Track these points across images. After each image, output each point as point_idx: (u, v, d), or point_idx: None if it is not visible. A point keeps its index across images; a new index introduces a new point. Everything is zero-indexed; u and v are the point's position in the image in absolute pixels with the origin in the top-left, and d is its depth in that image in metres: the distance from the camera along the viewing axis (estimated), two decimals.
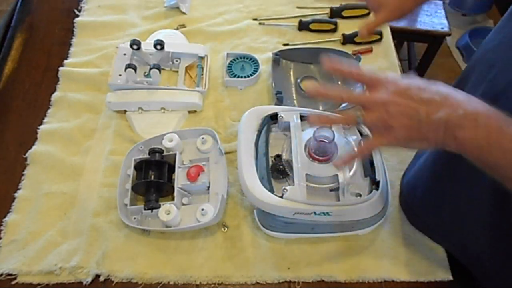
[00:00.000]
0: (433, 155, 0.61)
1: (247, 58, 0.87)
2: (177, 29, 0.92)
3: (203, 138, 0.71)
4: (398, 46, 1.97)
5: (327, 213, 0.58)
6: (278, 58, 0.85)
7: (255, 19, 0.96)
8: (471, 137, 0.41)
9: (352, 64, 0.54)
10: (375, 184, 0.61)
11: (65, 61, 0.86)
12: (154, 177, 0.67)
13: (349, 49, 0.89)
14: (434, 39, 1.56)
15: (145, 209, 0.66)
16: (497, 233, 0.53)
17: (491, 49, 0.53)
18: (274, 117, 0.67)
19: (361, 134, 0.66)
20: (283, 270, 0.64)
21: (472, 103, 0.42)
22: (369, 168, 0.62)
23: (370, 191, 0.60)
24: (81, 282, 0.62)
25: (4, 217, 0.67)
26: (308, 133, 0.63)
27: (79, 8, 0.96)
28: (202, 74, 0.82)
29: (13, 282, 0.62)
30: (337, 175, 0.60)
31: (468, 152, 0.42)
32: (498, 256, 0.55)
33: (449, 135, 0.42)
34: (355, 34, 0.91)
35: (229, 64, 0.86)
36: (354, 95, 0.51)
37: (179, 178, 0.67)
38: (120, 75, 0.78)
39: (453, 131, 0.41)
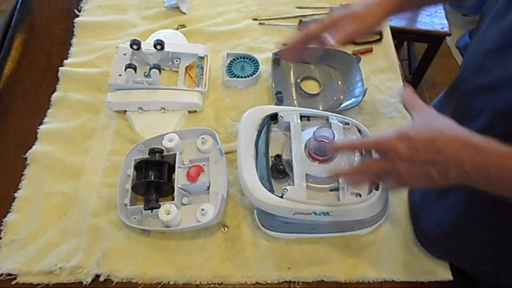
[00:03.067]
0: None
1: (247, 58, 0.87)
2: (177, 29, 0.92)
3: (203, 138, 0.71)
4: (398, 46, 1.97)
5: (327, 213, 0.58)
6: (278, 58, 0.85)
7: (255, 19, 0.96)
8: (475, 168, 0.41)
9: (353, 135, 0.60)
10: (375, 184, 0.61)
11: (65, 61, 0.86)
12: (154, 177, 0.67)
13: (349, 49, 0.89)
14: (434, 39, 1.56)
15: (145, 209, 0.66)
16: (499, 247, 0.54)
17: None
18: (274, 117, 0.67)
19: (360, 133, 0.66)
20: (283, 270, 0.64)
21: (472, 138, 0.42)
22: None
23: (370, 191, 0.60)
24: (81, 282, 0.62)
25: (4, 217, 0.67)
26: (308, 133, 0.63)
27: (79, 8, 0.96)
28: (202, 74, 0.82)
29: (13, 282, 0.62)
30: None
31: (473, 180, 0.42)
32: (501, 269, 0.56)
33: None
34: None
35: (229, 64, 0.86)
36: (367, 166, 0.51)
37: (179, 178, 0.67)
38: (120, 75, 0.78)
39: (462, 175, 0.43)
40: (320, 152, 0.60)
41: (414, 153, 0.44)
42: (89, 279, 0.62)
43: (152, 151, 0.69)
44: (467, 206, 0.56)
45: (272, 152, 0.66)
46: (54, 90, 0.82)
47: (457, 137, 0.43)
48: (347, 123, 0.67)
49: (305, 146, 0.62)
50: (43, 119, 0.78)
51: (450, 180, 0.43)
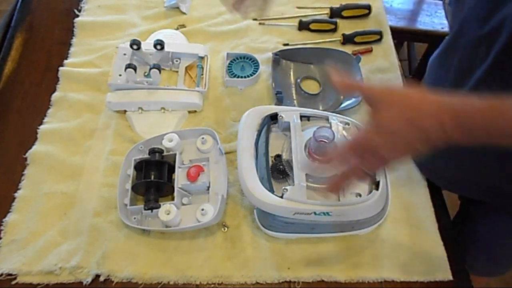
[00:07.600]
0: None
1: (247, 58, 0.87)
2: (177, 29, 0.92)
3: (203, 138, 0.71)
4: (398, 46, 1.97)
5: (327, 213, 0.58)
6: (278, 58, 0.85)
7: (255, 19, 0.96)
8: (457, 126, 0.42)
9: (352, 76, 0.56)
10: (375, 184, 0.61)
11: (65, 61, 0.86)
12: (154, 177, 0.67)
13: (349, 49, 0.89)
14: (434, 39, 1.56)
15: (145, 209, 0.66)
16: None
17: None
18: (274, 117, 0.67)
19: None
20: (283, 270, 0.64)
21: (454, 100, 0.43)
22: None
23: (370, 191, 0.60)
24: (81, 282, 0.62)
25: (4, 217, 0.67)
26: (308, 133, 0.63)
27: (79, 8, 0.96)
28: (202, 74, 0.82)
29: (13, 282, 0.62)
30: (337, 175, 0.60)
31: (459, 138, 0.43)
32: None
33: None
34: (355, 34, 0.91)
35: (229, 64, 0.86)
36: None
37: (179, 178, 0.67)
38: (120, 75, 0.78)
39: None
40: (320, 152, 0.60)
41: (392, 138, 0.45)
42: (89, 279, 0.62)
43: (152, 151, 0.69)
44: None
45: (272, 152, 0.66)
46: (54, 90, 0.82)
47: (432, 101, 0.43)
48: (347, 123, 0.67)
49: (305, 146, 0.62)
50: (43, 119, 0.78)
51: (434, 144, 0.44)
